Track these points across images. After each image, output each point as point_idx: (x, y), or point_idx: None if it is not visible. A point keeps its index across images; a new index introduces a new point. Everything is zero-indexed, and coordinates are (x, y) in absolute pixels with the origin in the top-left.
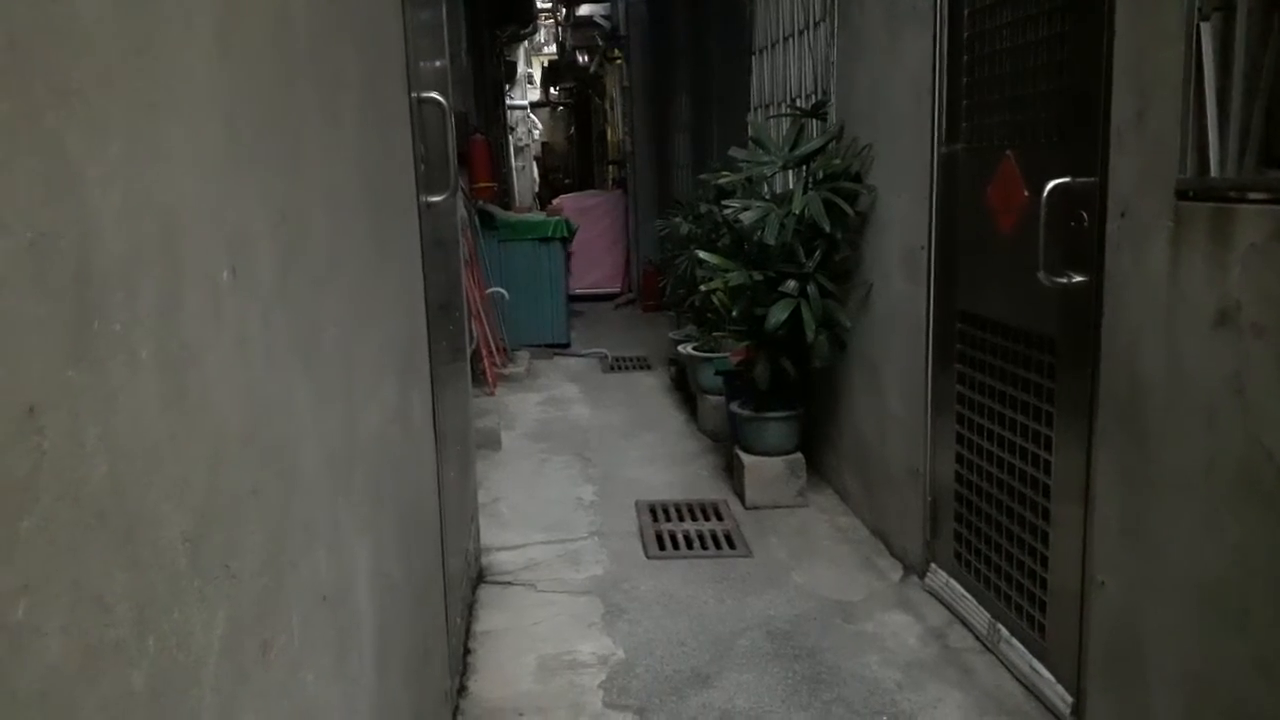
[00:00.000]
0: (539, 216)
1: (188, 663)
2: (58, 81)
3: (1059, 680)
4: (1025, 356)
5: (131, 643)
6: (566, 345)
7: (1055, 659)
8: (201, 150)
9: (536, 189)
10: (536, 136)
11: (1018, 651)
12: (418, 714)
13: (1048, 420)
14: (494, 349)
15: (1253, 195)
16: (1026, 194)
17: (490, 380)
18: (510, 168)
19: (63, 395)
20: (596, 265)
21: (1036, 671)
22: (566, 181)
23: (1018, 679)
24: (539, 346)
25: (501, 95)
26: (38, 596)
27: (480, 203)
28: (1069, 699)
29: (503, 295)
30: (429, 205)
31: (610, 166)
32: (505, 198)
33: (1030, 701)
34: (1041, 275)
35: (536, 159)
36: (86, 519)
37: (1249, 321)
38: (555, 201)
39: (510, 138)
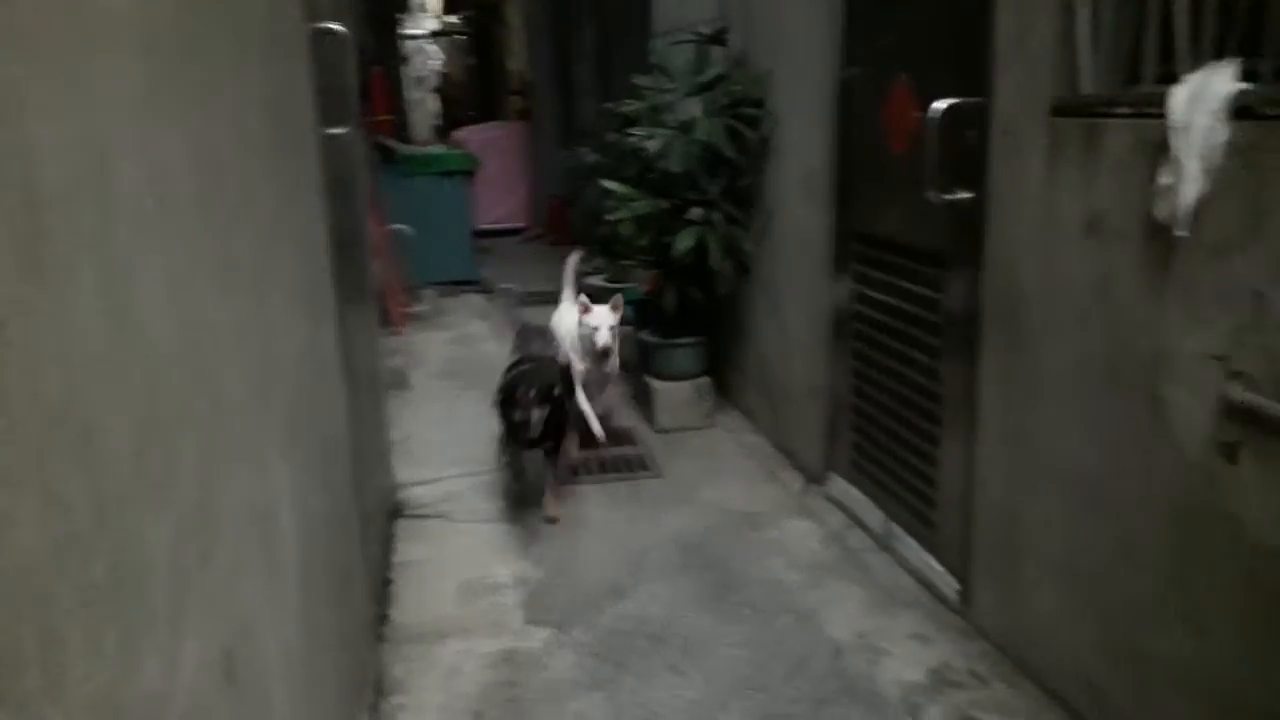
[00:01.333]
0: (440, 150)
1: (141, 562)
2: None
3: (948, 571)
4: (917, 272)
5: (91, 538)
6: (474, 281)
7: (944, 552)
8: (125, 84)
9: (436, 122)
10: (435, 67)
11: (910, 548)
12: (342, 637)
13: (936, 331)
14: (399, 288)
15: (1118, 110)
16: (918, 115)
17: (397, 320)
18: (408, 100)
19: (21, 308)
20: (502, 199)
21: (928, 565)
22: (468, 114)
23: (910, 573)
24: (446, 284)
25: (397, 24)
26: (11, 490)
27: (379, 137)
28: (957, 587)
29: (406, 232)
30: (329, 139)
31: (513, 97)
32: (404, 131)
33: (922, 592)
34: (931, 193)
35: (435, 90)
36: (47, 423)
37: (1114, 229)
38: (457, 134)
39: (407, 68)
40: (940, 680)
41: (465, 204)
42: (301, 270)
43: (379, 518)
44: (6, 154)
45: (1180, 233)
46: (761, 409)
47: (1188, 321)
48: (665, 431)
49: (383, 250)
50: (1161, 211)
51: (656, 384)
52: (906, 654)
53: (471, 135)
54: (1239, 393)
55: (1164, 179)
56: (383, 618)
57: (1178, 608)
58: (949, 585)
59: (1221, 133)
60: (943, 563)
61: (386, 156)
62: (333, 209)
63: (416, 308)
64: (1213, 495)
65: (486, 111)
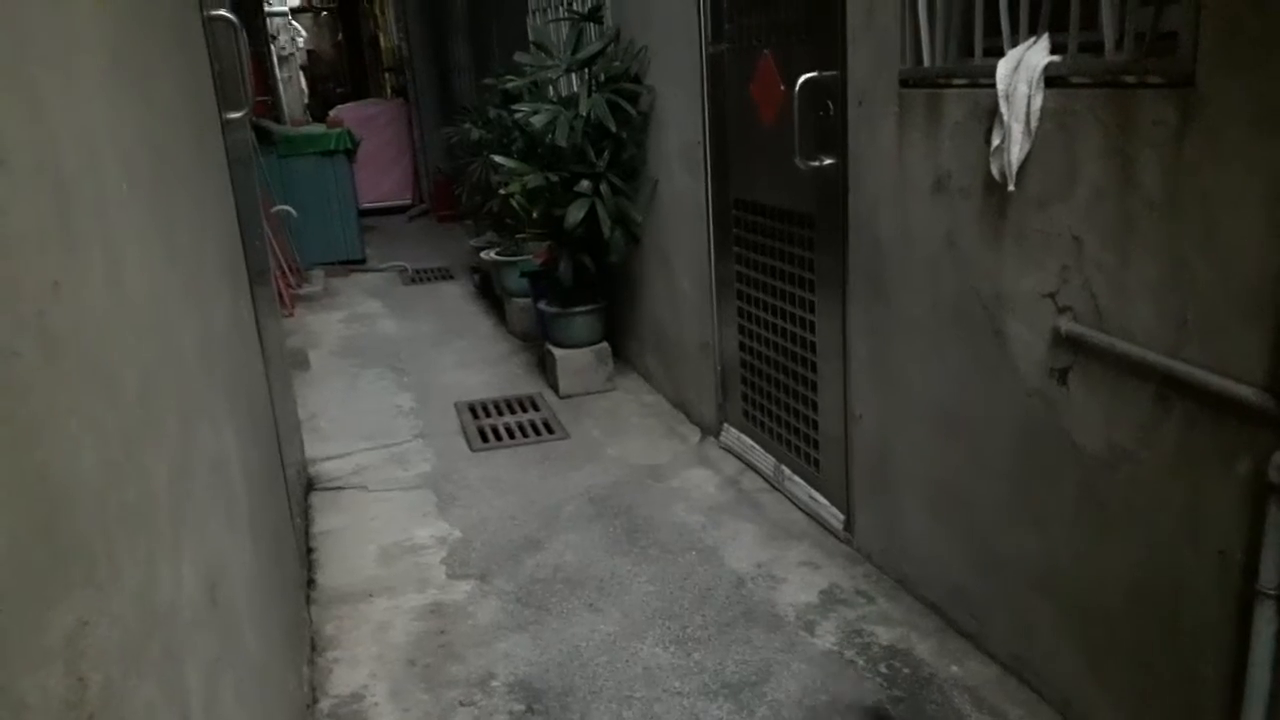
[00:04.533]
0: (319, 129)
1: (152, 493)
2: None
3: (833, 503)
4: (791, 234)
5: (123, 466)
6: (363, 261)
7: (828, 487)
8: (94, 80)
9: (306, 101)
10: (301, 45)
11: (799, 486)
12: (283, 592)
13: (810, 287)
14: (287, 269)
15: (955, 81)
16: (783, 88)
17: (288, 301)
18: (277, 80)
19: (65, 276)
20: (385, 177)
21: (815, 499)
22: (339, 91)
23: (800, 508)
24: (334, 264)
25: (261, 2)
26: (76, 419)
27: (254, 119)
28: (841, 517)
29: (290, 213)
30: (228, 123)
31: (387, 74)
32: (275, 112)
33: (811, 525)
34: (798, 160)
35: (303, 69)
36: (87, 370)
37: (957, 187)
38: (333, 113)
39: (273, 47)
40: (830, 600)
41: (347, 183)
42: (222, 246)
43: (297, 489)
44: (39, 143)
45: (1010, 187)
46: (658, 370)
47: (1022, 265)
48: (569, 397)
49: (269, 232)
50: (994, 169)
51: (558, 352)
52: (799, 579)
53: (349, 113)
54: (1066, 324)
55: (995, 141)
56: (309, 582)
57: (1025, 515)
58: (834, 516)
59: (1038, 99)
60: (828, 497)
61: (264, 138)
62: (236, 190)
63: (306, 289)
64: (1049, 414)
65: (358, 89)
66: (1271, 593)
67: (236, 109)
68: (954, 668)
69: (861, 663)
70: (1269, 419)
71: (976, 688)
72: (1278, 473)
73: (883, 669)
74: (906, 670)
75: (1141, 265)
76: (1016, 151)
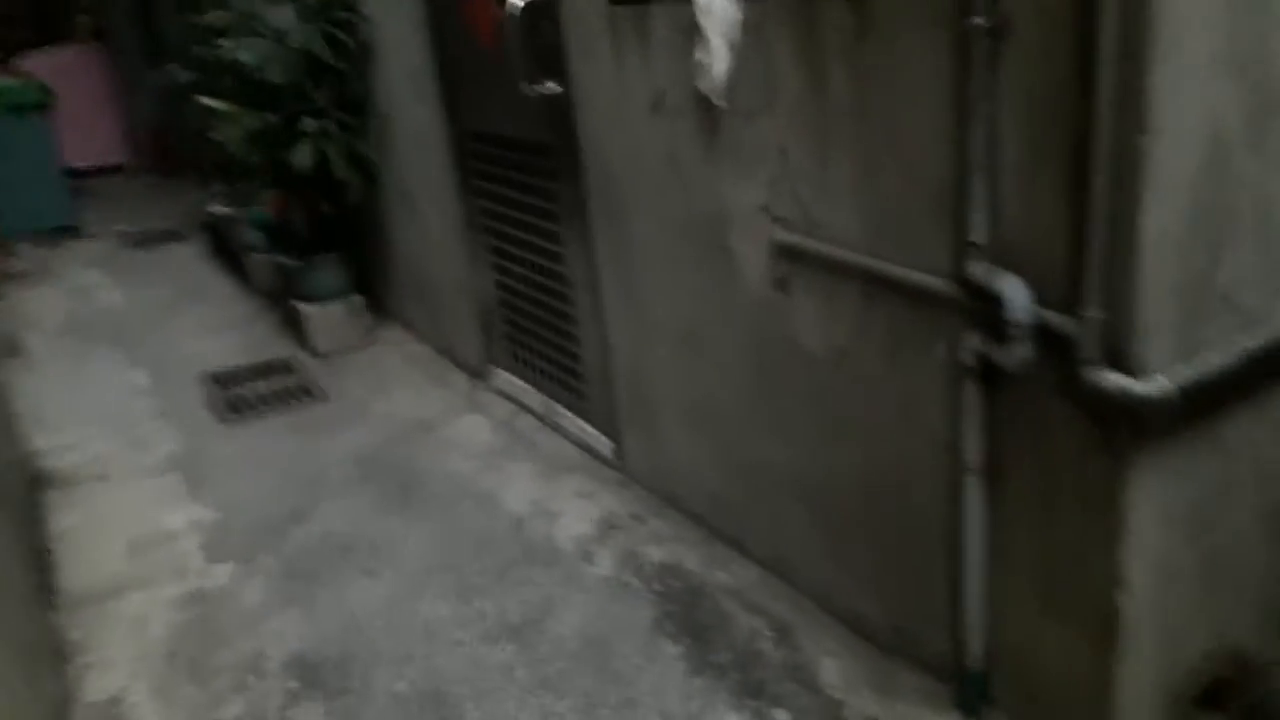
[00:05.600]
0: (3, 82)
1: None
2: None
3: (602, 433)
4: (530, 165)
5: None
6: (76, 228)
7: (597, 417)
8: None
9: None
10: None
11: (570, 420)
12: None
13: (556, 219)
14: None
15: None
16: (497, 11)
17: None
18: None
19: None
20: (93, 133)
21: (585, 431)
22: (23, 37)
23: (572, 442)
24: (41, 234)
25: None
26: None
27: None
28: (610, 445)
29: None
30: None
31: (80, 17)
32: None
33: (584, 456)
34: (524, 87)
35: None
36: None
37: (673, 105)
38: (20, 63)
39: None
40: (606, 527)
41: (46, 142)
42: None
43: (19, 489)
44: None
45: (719, 103)
46: (419, 318)
47: (738, 180)
48: (325, 356)
49: None
50: (703, 86)
51: (306, 308)
52: (576, 511)
53: (38, 63)
54: (780, 234)
55: (700, 56)
56: (48, 588)
57: (767, 421)
58: (604, 445)
59: (735, 11)
60: (597, 427)
61: None
62: None
63: (11, 265)
64: (776, 322)
65: (46, 34)
66: (975, 468)
67: None
68: (720, 574)
69: (637, 583)
70: (958, 306)
71: (742, 590)
72: (968, 354)
73: (657, 586)
74: (678, 584)
75: (840, 171)
76: (721, 67)
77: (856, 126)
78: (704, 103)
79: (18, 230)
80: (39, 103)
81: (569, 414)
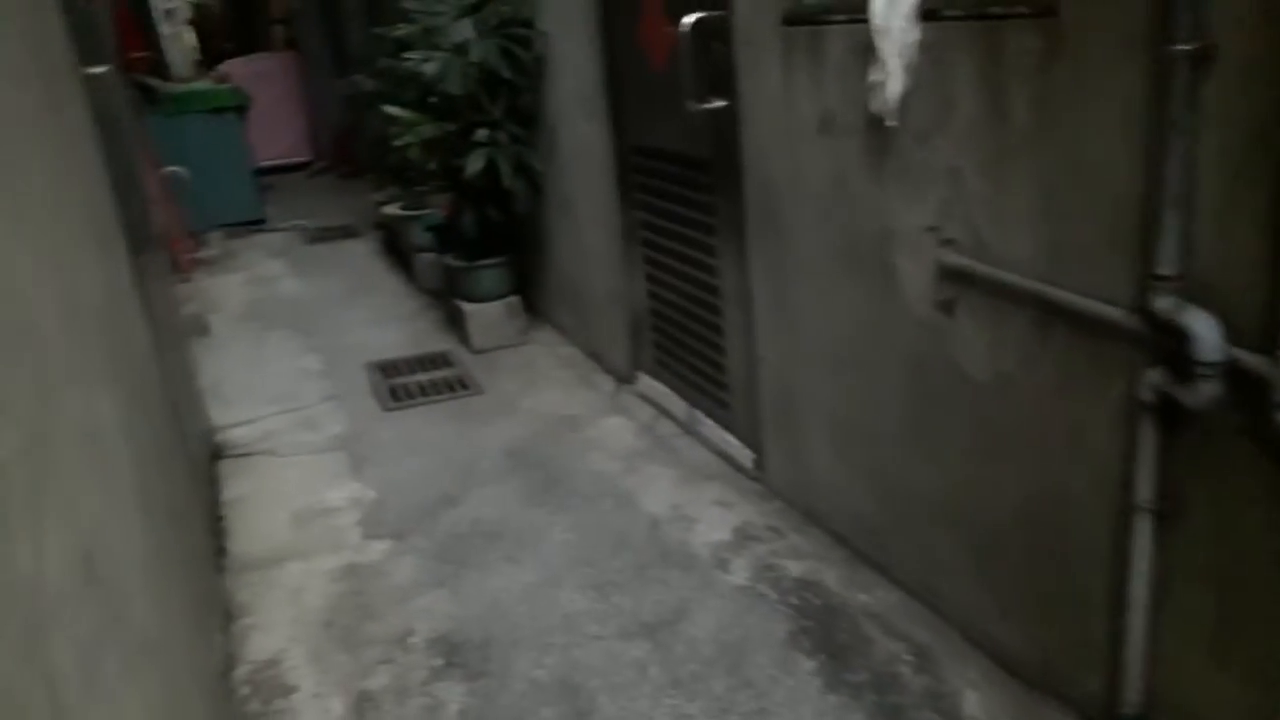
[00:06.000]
0: (206, 86)
1: (10, 459)
2: None
3: (743, 444)
4: (690, 179)
5: None
6: (262, 221)
7: (739, 428)
8: None
9: (198, 58)
10: None
11: (711, 429)
12: (186, 564)
13: (712, 232)
14: (182, 233)
15: (835, 17)
16: (671, 30)
17: (185, 266)
18: (160, 35)
19: None
20: (281, 134)
21: (726, 441)
22: (228, 46)
23: (713, 450)
24: (232, 226)
25: None
26: None
27: (137, 76)
28: (752, 456)
29: (181, 175)
30: (90, 79)
31: (276, 26)
32: (161, 69)
33: (724, 466)
34: (690, 104)
35: (190, 23)
36: None
37: (842, 125)
38: (222, 69)
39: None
40: (743, 537)
41: (240, 141)
42: (89, 210)
43: (202, 458)
44: None
45: (891, 123)
46: (571, 321)
47: (906, 200)
48: (482, 352)
49: (160, 195)
50: (875, 106)
51: (467, 307)
52: (713, 519)
53: (238, 68)
54: (950, 257)
55: (874, 77)
56: (220, 551)
57: (921, 444)
58: (745, 456)
59: (913, 33)
60: (738, 437)
61: (149, 97)
62: (106, 152)
63: (204, 252)
64: (939, 345)
65: (247, 43)
66: (1147, 506)
67: (99, 63)
68: (862, 596)
69: (774, 596)
70: (1138, 339)
71: (883, 614)
72: (1148, 391)
73: (794, 600)
74: (817, 601)
75: (1016, 195)
76: (895, 87)
77: (1037, 150)
78: (875, 122)
79: (210, 221)
80: (236, 105)
81: (710, 422)
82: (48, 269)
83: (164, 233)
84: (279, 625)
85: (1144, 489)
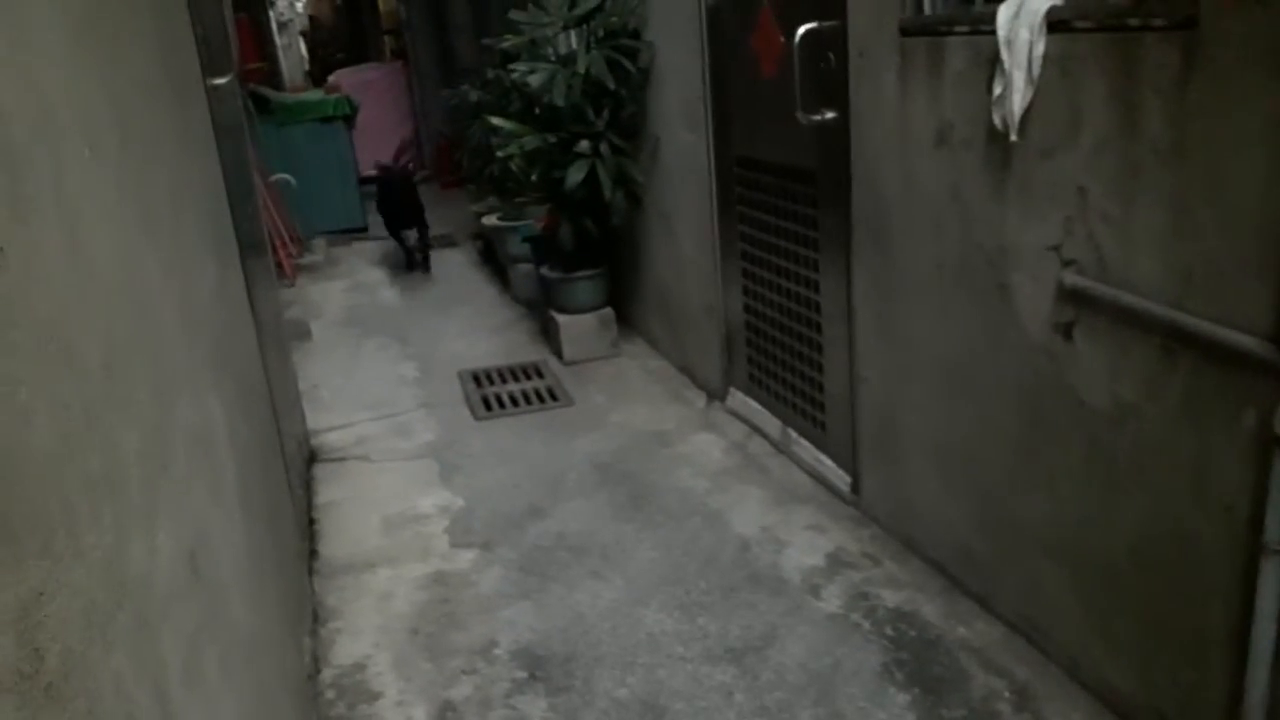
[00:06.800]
0: (317, 95)
1: (120, 462)
2: None
3: (839, 466)
4: (794, 191)
5: (85, 436)
6: (364, 229)
7: (835, 449)
8: (52, 35)
9: (307, 67)
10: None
11: (805, 449)
12: (279, 564)
13: (814, 246)
14: (287, 239)
15: (956, 28)
16: (783, 40)
17: (288, 271)
18: (276, 46)
19: (12, 243)
20: (386, 143)
21: (821, 462)
22: (339, 56)
23: (806, 471)
24: (335, 233)
25: None
26: (28, 389)
27: (251, 86)
28: (848, 479)
29: (289, 182)
30: (214, 89)
31: (387, 37)
32: (275, 79)
33: (817, 488)
34: (800, 114)
35: (303, 34)
36: (41, 338)
37: (960, 138)
38: (332, 78)
39: (271, 13)
40: (836, 563)
41: (347, 150)
42: (207, 215)
43: (297, 461)
44: None
45: (1013, 137)
46: (663, 334)
47: (1026, 217)
48: (573, 363)
49: (267, 201)
50: (997, 119)
51: (561, 318)
52: (805, 543)
53: (347, 78)
54: (1071, 278)
55: (997, 89)
56: (311, 554)
57: (1032, 474)
58: (840, 479)
59: (1040, 45)
60: (834, 459)
61: (261, 106)
62: (224, 159)
63: (307, 258)
64: (1054, 370)
65: (358, 53)
66: (1277, 548)
67: (222, 74)
68: (961, 629)
69: (867, 626)
70: (1274, 370)
71: (983, 649)
72: None
73: (889, 631)
74: (913, 633)
75: (1146, 215)
76: (1019, 100)
77: (1171, 169)
78: (995, 136)
79: (314, 228)
80: (344, 114)
81: (805, 442)
82: (170, 272)
83: (271, 238)
84: (366, 630)
85: (1274, 529)
